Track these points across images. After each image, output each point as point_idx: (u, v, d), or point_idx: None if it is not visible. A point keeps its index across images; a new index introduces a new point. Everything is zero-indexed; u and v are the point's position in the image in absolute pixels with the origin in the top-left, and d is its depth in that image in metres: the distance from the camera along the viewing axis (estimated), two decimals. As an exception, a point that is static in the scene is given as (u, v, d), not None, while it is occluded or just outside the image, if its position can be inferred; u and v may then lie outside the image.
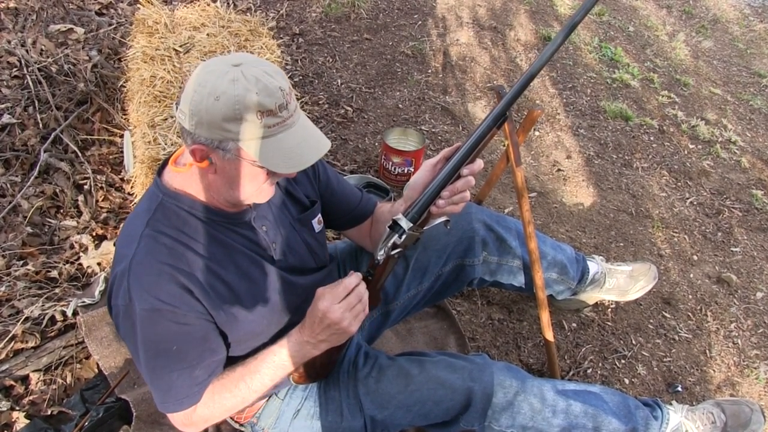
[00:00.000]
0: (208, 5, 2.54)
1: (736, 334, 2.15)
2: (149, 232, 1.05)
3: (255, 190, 1.06)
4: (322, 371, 1.29)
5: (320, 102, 2.95)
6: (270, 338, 1.22)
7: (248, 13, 2.93)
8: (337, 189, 1.41)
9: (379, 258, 1.16)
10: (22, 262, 1.95)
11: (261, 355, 1.17)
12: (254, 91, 0.94)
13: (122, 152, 2.40)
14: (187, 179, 1.09)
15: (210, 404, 1.14)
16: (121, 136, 2.45)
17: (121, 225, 2.11)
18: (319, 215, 1.36)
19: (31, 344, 1.74)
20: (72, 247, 2.03)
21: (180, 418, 1.14)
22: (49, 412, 1.61)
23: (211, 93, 0.94)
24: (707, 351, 2.07)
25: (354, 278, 1.10)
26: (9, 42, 2.67)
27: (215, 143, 0.98)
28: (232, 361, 1.18)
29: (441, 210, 1.18)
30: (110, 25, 3.04)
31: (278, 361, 1.15)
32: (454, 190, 1.16)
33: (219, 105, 0.94)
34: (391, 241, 1.14)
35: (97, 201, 2.22)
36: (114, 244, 1.97)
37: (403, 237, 1.13)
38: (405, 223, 1.13)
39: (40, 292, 1.87)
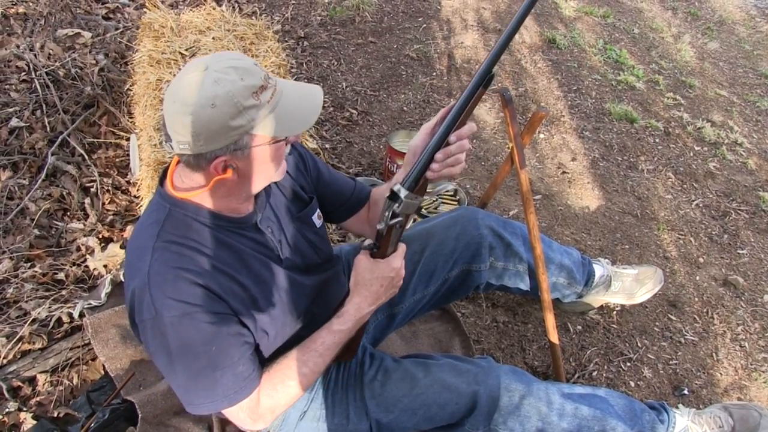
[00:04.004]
0: (214, 9, 2.55)
1: (743, 337, 2.14)
2: (161, 244, 1.04)
3: (277, 166, 1.10)
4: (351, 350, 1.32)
5: (325, 105, 2.96)
6: (284, 342, 1.22)
7: (253, 17, 2.94)
8: (330, 180, 1.42)
9: (380, 229, 1.16)
10: (29, 264, 1.97)
11: (321, 338, 1.18)
12: (238, 79, 0.96)
13: (128, 155, 2.41)
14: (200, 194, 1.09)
15: (274, 395, 1.13)
16: (128, 140, 2.46)
17: (128, 228, 2.13)
18: (318, 210, 1.37)
19: (38, 346, 1.75)
20: (78, 249, 2.05)
21: (246, 414, 1.11)
22: (55, 414, 1.62)
23: (203, 105, 0.95)
24: (714, 354, 2.06)
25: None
26: (18, 46, 2.69)
27: (231, 147, 0.99)
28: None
29: (437, 174, 1.15)
30: (117, 29, 3.06)
31: (338, 339, 1.19)
32: (448, 153, 1.14)
33: (218, 110, 0.95)
34: (390, 211, 1.13)
35: (103, 204, 2.23)
36: (122, 263, 1.99)
37: (401, 205, 1.12)
38: (402, 191, 1.11)
39: (47, 293, 1.88)
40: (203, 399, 1.08)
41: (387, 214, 1.13)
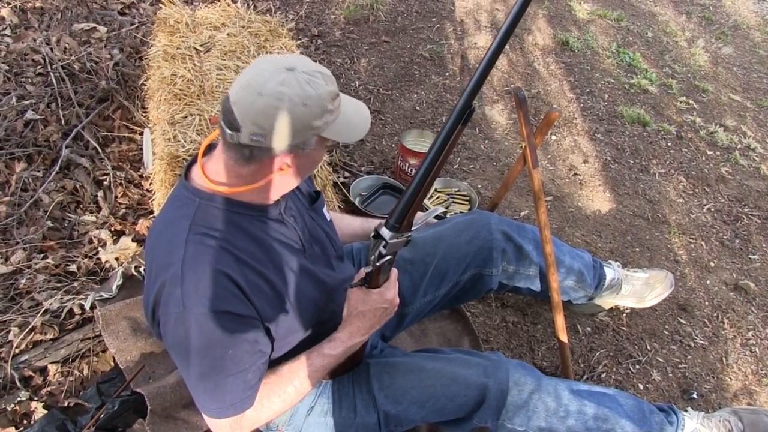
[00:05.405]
0: (229, 5, 2.57)
1: (754, 342, 2.12)
2: (193, 237, 1.05)
3: (315, 169, 1.17)
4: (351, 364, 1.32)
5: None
6: (305, 337, 1.23)
7: (268, 14, 2.96)
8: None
9: (369, 272, 1.15)
10: (42, 255, 1.98)
11: (309, 360, 1.18)
12: (324, 83, 1.02)
13: (141, 149, 2.43)
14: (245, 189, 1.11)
15: (259, 408, 1.14)
16: (141, 134, 2.48)
17: (140, 221, 2.15)
18: (326, 205, 1.39)
19: (49, 336, 1.76)
20: (91, 241, 2.06)
21: (228, 424, 1.12)
22: (66, 404, 1.64)
23: (297, 103, 0.98)
24: (724, 358, 2.05)
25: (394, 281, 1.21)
26: (35, 40, 2.72)
27: (300, 146, 1.03)
28: (271, 363, 1.19)
29: None
30: (132, 24, 3.08)
31: (327, 363, 1.19)
32: None
33: (308, 109, 1.00)
34: (377, 252, 1.12)
35: (116, 197, 2.25)
36: (134, 256, 2.00)
37: (388, 246, 1.11)
38: (386, 233, 1.10)
39: (59, 285, 1.90)
40: (211, 404, 1.09)
41: (373, 256, 1.11)
